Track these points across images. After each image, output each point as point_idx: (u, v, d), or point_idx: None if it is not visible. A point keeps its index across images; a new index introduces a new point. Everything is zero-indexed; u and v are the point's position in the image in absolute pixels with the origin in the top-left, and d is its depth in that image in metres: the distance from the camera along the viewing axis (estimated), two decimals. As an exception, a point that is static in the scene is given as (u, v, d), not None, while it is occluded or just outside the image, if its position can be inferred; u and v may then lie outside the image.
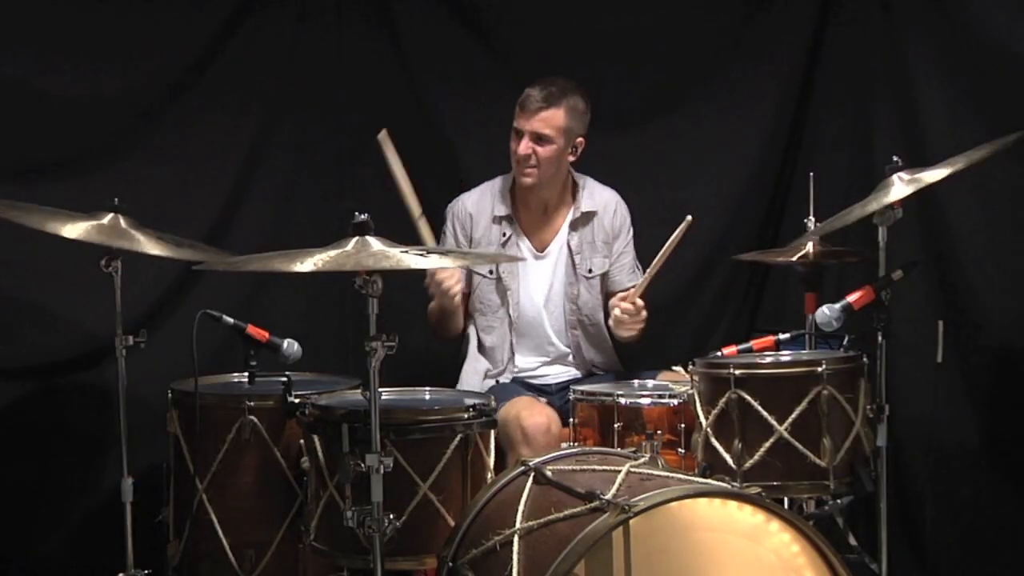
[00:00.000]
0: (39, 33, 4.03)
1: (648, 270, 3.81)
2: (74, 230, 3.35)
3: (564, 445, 3.54)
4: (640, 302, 3.85)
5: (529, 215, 4.08)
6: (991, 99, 3.90)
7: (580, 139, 3.98)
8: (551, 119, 3.89)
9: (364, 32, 4.52)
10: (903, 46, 4.17)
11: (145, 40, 4.17)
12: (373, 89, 4.52)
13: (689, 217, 3.73)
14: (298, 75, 4.43)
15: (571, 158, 4.00)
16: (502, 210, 4.05)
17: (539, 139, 3.89)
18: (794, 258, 3.89)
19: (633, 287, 3.93)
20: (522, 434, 3.61)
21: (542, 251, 4.09)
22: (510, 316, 4.05)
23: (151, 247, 3.42)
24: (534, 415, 3.65)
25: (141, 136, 4.20)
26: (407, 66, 4.56)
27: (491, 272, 4.04)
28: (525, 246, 4.07)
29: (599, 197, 4.12)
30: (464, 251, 3.95)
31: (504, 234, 4.04)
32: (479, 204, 4.08)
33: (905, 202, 3.31)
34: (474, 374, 4.07)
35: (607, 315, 4.06)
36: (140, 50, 4.16)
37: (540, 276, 4.09)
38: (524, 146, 3.90)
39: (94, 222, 3.40)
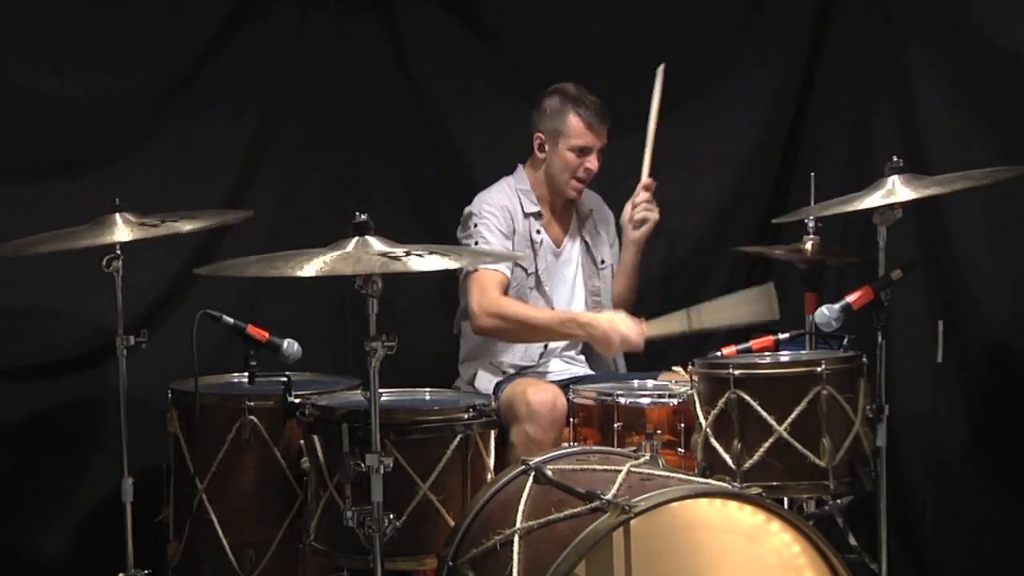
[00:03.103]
0: (39, 33, 4.03)
1: (648, 138, 4.02)
2: (77, 243, 3.36)
3: (564, 445, 3.55)
4: (650, 181, 4.04)
5: (547, 213, 4.12)
6: (990, 99, 3.90)
7: None
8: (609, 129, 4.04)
9: (364, 32, 4.52)
10: (903, 46, 4.17)
11: (145, 40, 4.16)
12: (373, 89, 4.52)
13: (662, 65, 3.98)
14: (298, 75, 4.43)
15: None
16: (531, 207, 4.06)
17: (600, 152, 4.02)
18: (790, 251, 3.91)
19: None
20: (527, 409, 3.63)
21: (559, 247, 4.13)
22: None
23: (155, 232, 3.42)
24: (539, 392, 3.68)
25: (141, 136, 4.20)
26: (407, 66, 4.56)
27: (528, 271, 4.03)
28: (547, 243, 4.10)
29: (591, 198, 4.22)
30: (475, 249, 3.89)
31: (538, 231, 4.06)
32: (510, 200, 4.05)
33: (904, 203, 3.31)
34: (490, 374, 4.05)
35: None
36: (140, 50, 4.15)
37: (563, 273, 4.13)
38: (595, 162, 4.01)
39: (95, 228, 3.40)
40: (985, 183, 3.29)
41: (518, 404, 3.67)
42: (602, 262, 4.18)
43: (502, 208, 4.00)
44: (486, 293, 3.88)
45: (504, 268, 3.92)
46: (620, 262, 4.21)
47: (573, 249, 4.15)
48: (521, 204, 4.05)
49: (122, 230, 3.38)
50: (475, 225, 3.98)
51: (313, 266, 2.76)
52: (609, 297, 4.18)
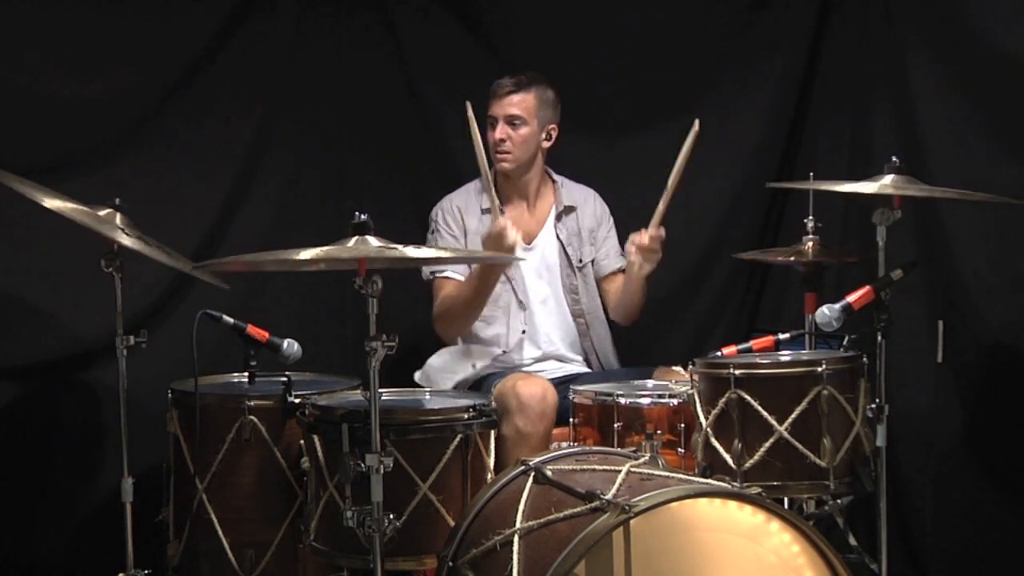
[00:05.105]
0: (39, 33, 4.02)
1: (666, 190, 3.85)
2: (68, 212, 3.28)
3: (564, 445, 3.55)
4: (662, 231, 3.90)
5: (514, 208, 4.14)
6: (989, 101, 3.90)
7: (553, 126, 4.11)
8: (521, 102, 4.04)
9: (364, 32, 4.53)
10: (902, 47, 4.17)
11: (146, 40, 4.16)
12: (373, 89, 4.53)
13: (696, 122, 3.82)
14: (298, 75, 4.43)
15: (546, 144, 4.12)
16: (488, 203, 4.07)
17: (512, 122, 4.04)
18: (791, 258, 3.90)
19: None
20: (517, 402, 3.65)
21: (529, 243, 4.13)
22: (520, 301, 4.08)
23: (146, 251, 3.41)
24: (529, 385, 3.70)
25: (141, 136, 4.19)
26: (407, 66, 4.56)
27: None
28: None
29: (577, 193, 4.24)
30: (461, 249, 3.98)
31: None
32: (466, 200, 4.14)
33: (903, 203, 3.32)
34: (451, 364, 4.04)
35: (605, 309, 4.20)
36: (140, 50, 4.15)
37: (532, 268, 4.13)
38: (500, 130, 4.05)
39: (92, 211, 3.38)
40: (977, 199, 3.30)
41: (508, 397, 3.68)
42: (580, 261, 4.17)
43: (454, 209, 4.11)
44: (435, 302, 4.08)
45: (454, 273, 4.03)
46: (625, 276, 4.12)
47: (546, 246, 4.16)
48: (480, 201, 4.12)
49: (133, 240, 3.38)
50: (432, 231, 4.12)
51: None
52: (591, 296, 4.18)
